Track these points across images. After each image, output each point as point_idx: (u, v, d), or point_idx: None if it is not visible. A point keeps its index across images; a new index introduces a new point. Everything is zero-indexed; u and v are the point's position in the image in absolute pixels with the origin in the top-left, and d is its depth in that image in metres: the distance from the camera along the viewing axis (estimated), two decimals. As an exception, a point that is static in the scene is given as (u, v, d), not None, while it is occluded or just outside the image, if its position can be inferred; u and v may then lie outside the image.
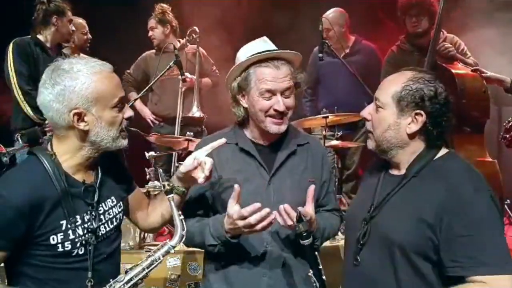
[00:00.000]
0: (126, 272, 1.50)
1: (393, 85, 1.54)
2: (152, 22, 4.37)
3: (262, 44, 1.85)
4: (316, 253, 1.62)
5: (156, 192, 3.33)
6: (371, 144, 1.63)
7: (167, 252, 1.53)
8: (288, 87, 1.79)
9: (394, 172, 1.62)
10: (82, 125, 1.46)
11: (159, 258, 1.52)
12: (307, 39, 4.00)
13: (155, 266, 1.52)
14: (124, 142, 1.56)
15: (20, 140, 3.21)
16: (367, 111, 1.63)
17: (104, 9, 4.53)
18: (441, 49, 3.53)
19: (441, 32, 3.59)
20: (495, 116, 3.91)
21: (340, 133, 3.75)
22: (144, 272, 1.51)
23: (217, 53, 4.39)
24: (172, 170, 4.07)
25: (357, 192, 1.89)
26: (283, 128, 1.82)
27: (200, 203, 1.88)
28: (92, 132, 1.48)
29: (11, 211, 1.37)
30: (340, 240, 2.94)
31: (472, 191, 1.42)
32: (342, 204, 3.72)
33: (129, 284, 1.48)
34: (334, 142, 3.62)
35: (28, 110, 3.32)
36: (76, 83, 1.42)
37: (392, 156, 1.59)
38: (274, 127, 1.81)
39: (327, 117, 3.52)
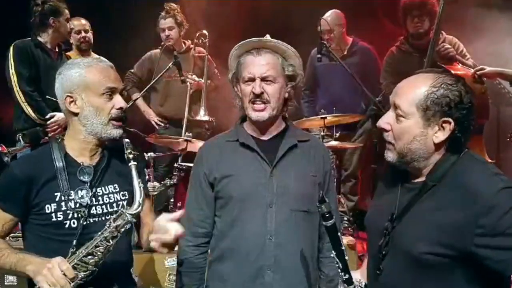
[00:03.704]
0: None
1: (415, 90, 1.42)
2: (170, 22, 4.23)
3: (257, 39, 1.87)
4: (339, 234, 1.54)
5: (155, 193, 3.36)
6: (391, 156, 1.49)
7: (128, 223, 1.56)
8: (267, 74, 1.80)
9: (413, 179, 1.51)
10: (73, 108, 1.70)
11: (117, 228, 1.55)
12: (305, 41, 3.99)
13: (115, 238, 1.55)
14: (115, 132, 1.71)
15: (21, 140, 3.25)
16: (385, 121, 1.49)
17: (108, 10, 4.55)
18: (441, 50, 3.52)
19: (441, 33, 3.59)
20: (494, 117, 3.89)
21: (338, 134, 3.76)
22: (105, 244, 1.54)
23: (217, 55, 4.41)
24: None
25: (375, 198, 1.76)
26: (263, 115, 1.81)
27: (205, 200, 1.88)
28: (81, 115, 1.69)
29: (12, 178, 1.67)
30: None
31: (495, 190, 1.32)
32: (340, 205, 3.73)
33: (87, 250, 1.53)
34: (333, 143, 3.63)
35: (29, 111, 3.32)
36: (71, 72, 1.70)
37: (414, 166, 1.47)
38: (254, 113, 1.81)
39: (326, 117, 3.54)
